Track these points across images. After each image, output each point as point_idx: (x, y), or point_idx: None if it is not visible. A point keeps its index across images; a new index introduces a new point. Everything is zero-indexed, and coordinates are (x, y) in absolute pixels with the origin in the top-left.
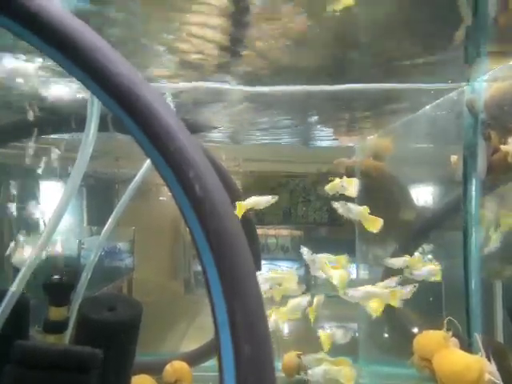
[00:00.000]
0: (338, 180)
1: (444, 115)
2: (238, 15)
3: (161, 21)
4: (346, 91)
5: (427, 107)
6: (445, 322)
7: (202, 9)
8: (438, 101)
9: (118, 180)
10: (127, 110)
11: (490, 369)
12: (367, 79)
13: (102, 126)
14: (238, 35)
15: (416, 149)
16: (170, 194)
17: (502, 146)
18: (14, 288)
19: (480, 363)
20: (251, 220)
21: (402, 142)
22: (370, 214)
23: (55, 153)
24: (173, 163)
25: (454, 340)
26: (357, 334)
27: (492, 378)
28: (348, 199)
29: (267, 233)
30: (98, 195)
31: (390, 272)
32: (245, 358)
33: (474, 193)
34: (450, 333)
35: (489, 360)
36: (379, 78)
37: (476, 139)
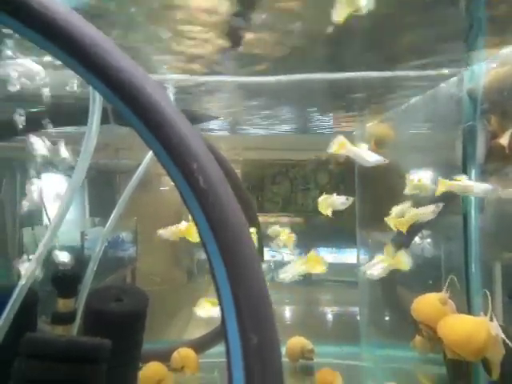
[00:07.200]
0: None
1: (444, 101)
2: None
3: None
4: (345, 79)
5: (427, 93)
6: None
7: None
8: (437, 86)
9: (119, 171)
10: (129, 103)
11: (494, 327)
12: (366, 66)
13: (103, 119)
14: (237, 22)
15: (416, 134)
16: (171, 183)
17: (499, 140)
18: (23, 281)
19: (485, 324)
20: (253, 207)
21: (401, 128)
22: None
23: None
24: (176, 155)
25: (451, 302)
26: (358, 318)
27: (499, 333)
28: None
29: (268, 221)
30: (100, 187)
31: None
32: (251, 345)
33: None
34: (447, 294)
35: (491, 319)
36: (378, 65)
37: (475, 124)
